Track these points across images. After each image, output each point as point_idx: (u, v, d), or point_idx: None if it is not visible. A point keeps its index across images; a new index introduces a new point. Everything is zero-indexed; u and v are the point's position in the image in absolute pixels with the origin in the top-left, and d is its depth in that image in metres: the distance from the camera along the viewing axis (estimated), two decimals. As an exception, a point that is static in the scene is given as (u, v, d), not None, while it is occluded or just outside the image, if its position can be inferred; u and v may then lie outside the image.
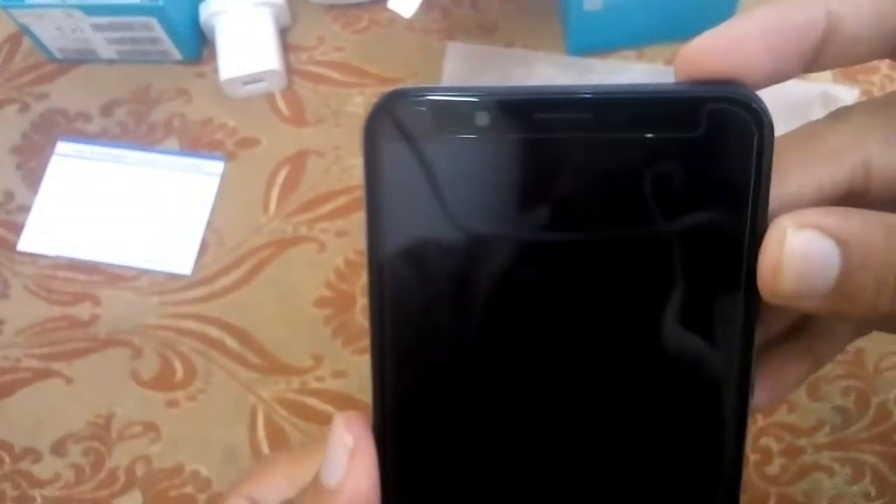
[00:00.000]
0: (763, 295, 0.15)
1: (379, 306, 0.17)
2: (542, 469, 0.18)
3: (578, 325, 0.17)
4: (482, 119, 0.16)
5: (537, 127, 0.16)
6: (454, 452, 0.18)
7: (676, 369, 0.17)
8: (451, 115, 0.16)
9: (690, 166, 0.16)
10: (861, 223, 0.14)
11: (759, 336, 0.17)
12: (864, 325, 0.20)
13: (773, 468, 0.36)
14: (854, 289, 0.14)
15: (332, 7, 0.48)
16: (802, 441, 0.36)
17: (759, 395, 0.18)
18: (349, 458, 0.17)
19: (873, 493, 0.35)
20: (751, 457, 0.36)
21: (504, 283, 0.17)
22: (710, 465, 0.17)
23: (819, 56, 0.16)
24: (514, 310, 0.17)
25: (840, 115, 0.17)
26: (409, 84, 0.15)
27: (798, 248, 0.14)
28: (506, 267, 0.17)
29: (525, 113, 0.16)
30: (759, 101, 0.16)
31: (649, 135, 0.16)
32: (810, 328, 0.20)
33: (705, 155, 0.16)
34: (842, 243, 0.14)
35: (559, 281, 0.17)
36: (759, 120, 0.16)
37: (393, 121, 0.17)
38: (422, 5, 0.39)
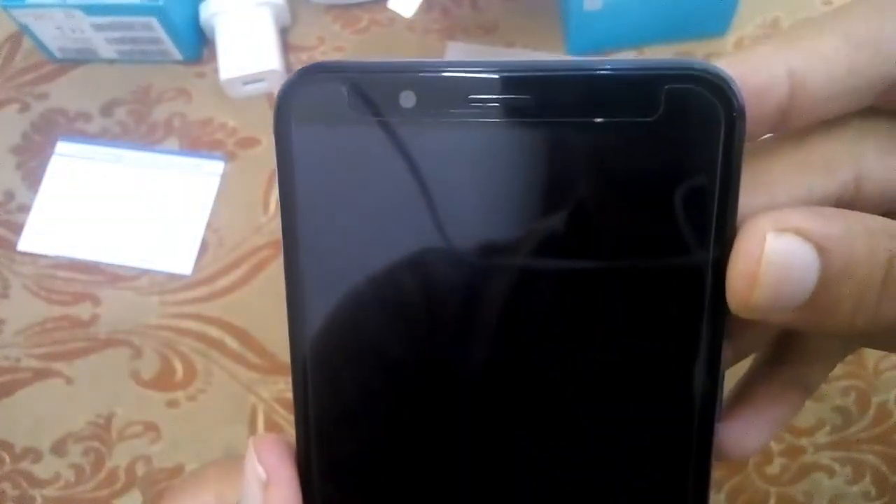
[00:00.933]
0: (732, 306, 0.14)
1: (297, 314, 0.15)
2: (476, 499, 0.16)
3: (519, 341, 0.15)
4: (408, 100, 0.14)
5: (472, 109, 0.14)
6: (382, 479, 0.16)
7: (628, 383, 0.15)
8: (372, 95, 0.14)
9: (646, 157, 0.14)
10: (843, 228, 0.13)
11: (729, 350, 0.15)
12: (849, 343, 0.18)
13: (774, 468, 0.36)
14: (831, 302, 0.13)
15: (332, 7, 0.48)
16: (803, 441, 0.36)
17: (753, 435, 0.17)
18: (264, 491, 0.16)
19: (873, 494, 0.35)
20: (750, 457, 0.36)
21: (435, 292, 0.15)
22: (671, 487, 0.15)
23: (788, 116, 0.15)
24: (446, 323, 0.15)
25: (833, 120, 0.15)
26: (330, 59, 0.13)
27: (778, 256, 0.13)
28: (436, 273, 0.15)
29: (458, 93, 0.14)
30: (728, 80, 0.14)
31: (599, 119, 0.14)
32: (793, 352, 0.18)
33: (663, 144, 0.14)
34: (822, 250, 0.13)
35: (497, 290, 0.15)
36: (727, 102, 0.13)
37: (308, 101, 0.15)
38: (422, 5, 0.39)
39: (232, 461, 0.19)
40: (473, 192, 0.15)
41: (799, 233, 0.13)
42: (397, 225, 0.15)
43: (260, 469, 0.16)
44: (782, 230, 0.13)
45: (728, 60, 0.14)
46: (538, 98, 0.14)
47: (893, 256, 0.13)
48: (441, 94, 0.14)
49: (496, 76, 0.14)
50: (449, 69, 0.14)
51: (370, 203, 0.15)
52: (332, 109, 0.14)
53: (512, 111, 0.14)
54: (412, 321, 0.15)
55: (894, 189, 0.15)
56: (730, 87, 0.13)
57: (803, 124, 0.15)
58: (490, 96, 0.14)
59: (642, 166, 0.14)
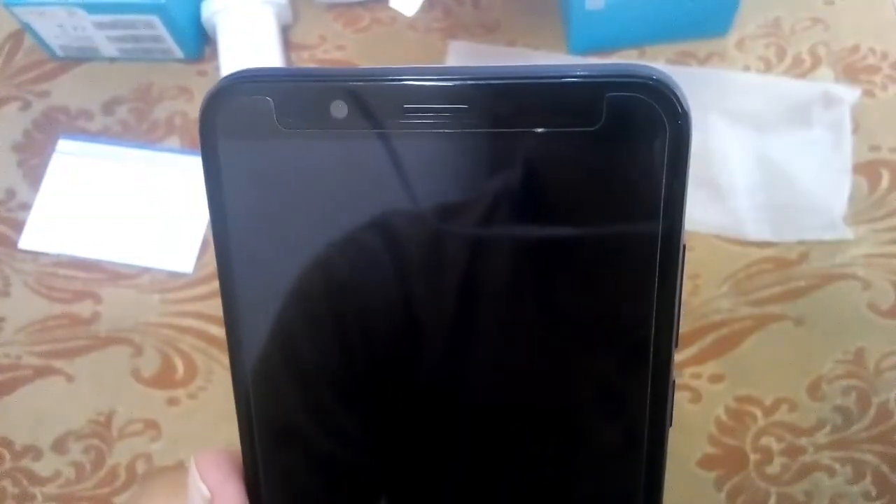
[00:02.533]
0: None
1: (235, 333, 0.15)
2: None
3: (456, 357, 0.15)
4: (339, 110, 0.13)
5: (407, 119, 0.13)
6: (330, 491, 0.16)
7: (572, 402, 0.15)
8: (301, 106, 0.13)
9: (586, 168, 0.13)
10: None
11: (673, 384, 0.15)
12: None
13: (774, 468, 0.36)
14: None
15: (333, 6, 0.48)
16: (803, 441, 0.36)
17: None
18: None
19: (874, 494, 0.35)
20: (751, 456, 0.36)
21: (373, 309, 0.14)
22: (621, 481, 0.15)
23: None
24: (383, 336, 0.15)
25: None
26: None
27: None
28: (370, 288, 0.14)
29: (392, 103, 0.13)
30: (671, 84, 0.13)
31: (538, 129, 0.13)
32: None
33: (606, 153, 0.13)
34: None
35: (436, 304, 0.14)
36: (671, 110, 0.13)
37: (233, 113, 0.14)
38: (424, 4, 0.39)
39: (179, 472, 0.19)
40: (409, 204, 0.14)
41: None
42: (329, 239, 0.14)
43: (203, 487, 0.16)
44: None
45: None
46: (475, 107, 0.13)
47: None
48: (374, 103, 0.13)
49: (431, 84, 0.13)
50: (382, 78, 0.13)
51: (304, 220, 0.14)
52: (259, 121, 0.14)
53: (449, 121, 0.13)
54: (349, 336, 0.15)
55: None
56: (673, 93, 0.13)
57: None
58: (425, 106, 0.13)
59: (584, 176, 0.14)
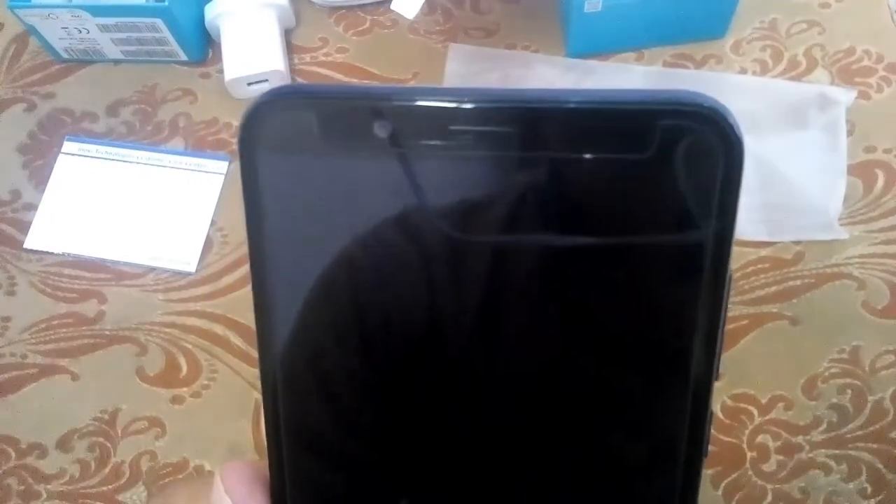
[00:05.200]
0: None
1: (266, 350, 0.15)
2: None
3: (498, 374, 0.14)
4: (383, 129, 0.13)
5: (452, 141, 0.13)
6: None
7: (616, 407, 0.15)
8: (345, 124, 0.13)
9: (635, 195, 0.13)
10: None
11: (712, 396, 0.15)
12: None
13: (770, 465, 0.36)
14: None
15: (335, 9, 0.49)
16: (799, 439, 0.36)
17: None
18: None
19: (869, 491, 0.35)
20: (748, 454, 0.36)
21: (407, 327, 0.14)
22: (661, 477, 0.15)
23: None
24: (415, 354, 0.14)
25: None
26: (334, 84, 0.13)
27: None
28: (410, 306, 0.14)
29: (437, 123, 0.13)
30: (724, 112, 0.12)
31: (586, 156, 0.13)
32: None
33: (656, 181, 0.13)
34: None
35: (470, 325, 0.14)
36: (725, 138, 0.12)
37: (275, 128, 0.14)
38: (424, 7, 0.40)
39: (200, 482, 0.18)
40: (446, 224, 0.14)
41: None
42: (362, 253, 0.14)
43: (228, 501, 0.15)
44: None
45: None
46: (522, 131, 0.13)
47: None
48: (419, 124, 0.13)
49: (477, 107, 0.13)
50: (427, 98, 0.13)
51: (339, 233, 0.14)
52: (301, 137, 0.13)
53: (494, 144, 0.13)
54: (381, 350, 0.15)
55: None
56: (727, 122, 0.13)
57: None
58: (471, 128, 0.13)
59: (631, 204, 0.13)
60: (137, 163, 0.45)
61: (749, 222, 0.40)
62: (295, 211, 0.14)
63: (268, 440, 0.15)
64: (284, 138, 0.13)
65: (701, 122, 0.12)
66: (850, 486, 0.36)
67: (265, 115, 0.13)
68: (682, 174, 0.13)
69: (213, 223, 0.43)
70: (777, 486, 0.36)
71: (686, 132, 0.13)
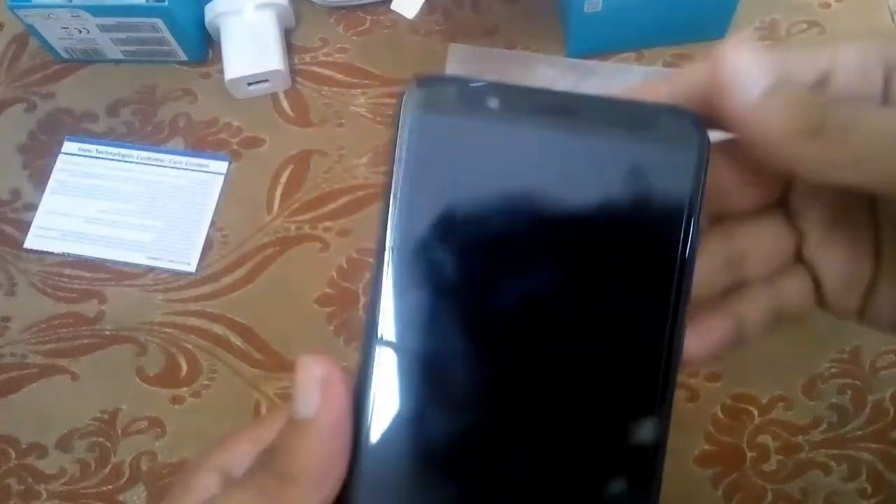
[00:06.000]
0: (708, 76, 0.18)
1: (378, 285, 0.18)
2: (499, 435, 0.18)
3: (541, 305, 0.18)
4: (493, 104, 0.18)
5: (533, 119, 0.18)
6: (425, 409, 0.18)
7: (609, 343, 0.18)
8: (471, 100, 0.18)
9: (639, 171, 0.18)
10: (788, 52, 0.18)
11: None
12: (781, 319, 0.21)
13: (770, 465, 0.36)
14: (776, 100, 0.17)
15: (335, 9, 0.49)
16: (799, 438, 0.36)
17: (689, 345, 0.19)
18: (321, 388, 0.17)
19: (869, 491, 0.35)
20: (748, 454, 0.36)
21: (488, 256, 0.18)
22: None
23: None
24: (491, 291, 0.18)
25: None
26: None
27: (740, 53, 0.18)
28: (490, 238, 0.18)
29: (528, 107, 0.18)
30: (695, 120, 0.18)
31: (612, 140, 0.18)
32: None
33: (649, 159, 0.18)
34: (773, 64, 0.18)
35: (527, 267, 0.18)
36: (701, 135, 0.18)
37: (427, 100, 0.18)
38: (424, 7, 0.40)
39: (260, 417, 0.20)
40: (527, 185, 0.18)
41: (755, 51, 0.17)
42: (473, 206, 0.18)
43: (319, 370, 0.17)
44: (746, 41, 0.17)
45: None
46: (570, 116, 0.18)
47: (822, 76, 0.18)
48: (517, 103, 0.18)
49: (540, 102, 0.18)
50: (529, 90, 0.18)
51: (464, 184, 0.18)
52: (444, 109, 0.18)
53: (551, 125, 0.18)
54: (473, 281, 0.18)
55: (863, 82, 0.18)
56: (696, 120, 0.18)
57: None
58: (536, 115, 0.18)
59: (634, 179, 0.18)
60: (137, 163, 0.45)
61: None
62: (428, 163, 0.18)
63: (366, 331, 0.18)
64: (433, 109, 0.18)
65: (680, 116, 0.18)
66: (850, 486, 0.36)
67: (422, 89, 0.18)
68: (668, 157, 0.18)
69: (213, 223, 0.43)
70: (777, 486, 0.36)
71: (672, 122, 0.18)
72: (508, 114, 0.18)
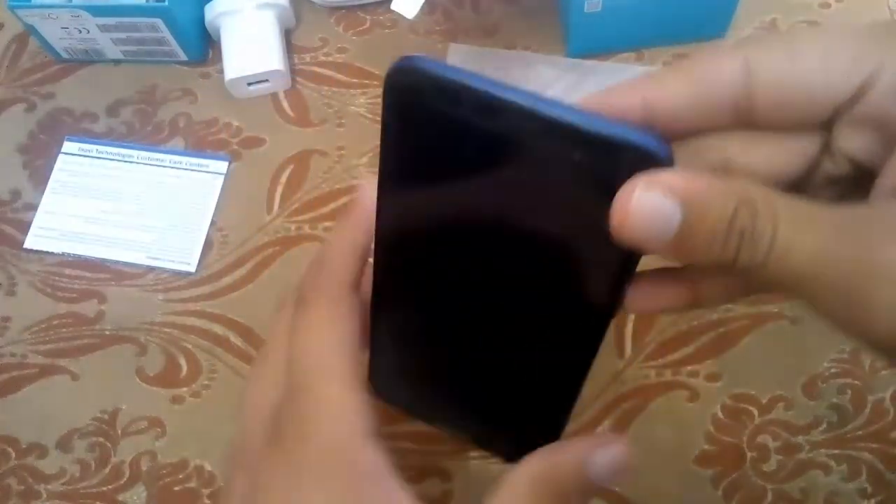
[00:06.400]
0: (614, 237, 0.18)
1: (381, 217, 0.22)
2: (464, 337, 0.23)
3: (493, 278, 0.21)
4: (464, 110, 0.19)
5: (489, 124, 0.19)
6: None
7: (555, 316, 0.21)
8: (447, 97, 0.19)
9: (581, 188, 0.18)
10: (704, 186, 0.17)
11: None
12: (739, 289, 0.22)
13: (770, 465, 0.36)
14: (691, 238, 0.17)
15: (335, 9, 0.49)
16: (799, 438, 0.36)
17: (631, 296, 0.21)
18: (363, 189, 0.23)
19: (869, 491, 0.35)
20: (748, 454, 0.36)
21: (460, 234, 0.21)
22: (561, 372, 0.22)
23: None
24: (458, 255, 0.21)
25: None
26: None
27: (644, 205, 0.17)
28: (464, 220, 0.21)
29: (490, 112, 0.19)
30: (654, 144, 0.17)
31: (567, 157, 0.18)
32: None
33: (593, 181, 0.18)
34: (684, 202, 0.17)
35: (486, 246, 0.21)
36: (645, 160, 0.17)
37: (413, 85, 0.19)
38: (424, 7, 0.40)
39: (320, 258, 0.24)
40: (478, 188, 0.20)
41: (666, 188, 0.17)
42: (446, 194, 0.20)
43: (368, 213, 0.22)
44: (651, 186, 0.17)
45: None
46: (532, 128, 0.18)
47: (737, 207, 0.17)
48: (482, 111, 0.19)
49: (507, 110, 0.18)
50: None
51: (440, 177, 0.20)
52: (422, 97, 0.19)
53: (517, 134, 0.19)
54: (444, 248, 0.22)
55: (785, 94, 0.19)
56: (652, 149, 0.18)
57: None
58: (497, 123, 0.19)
59: (577, 193, 0.19)
60: (137, 163, 0.45)
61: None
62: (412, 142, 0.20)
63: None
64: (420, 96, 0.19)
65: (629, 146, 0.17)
66: (850, 485, 0.36)
67: (408, 74, 0.19)
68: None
69: (213, 223, 0.43)
70: (777, 486, 0.36)
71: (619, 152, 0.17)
72: (468, 116, 0.19)
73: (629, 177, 0.17)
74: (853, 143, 0.20)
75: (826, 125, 0.20)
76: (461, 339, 0.23)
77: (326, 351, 0.22)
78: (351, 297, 0.23)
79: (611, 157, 0.17)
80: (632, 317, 0.39)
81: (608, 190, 0.17)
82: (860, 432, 0.36)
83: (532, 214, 0.19)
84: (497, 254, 0.21)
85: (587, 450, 0.21)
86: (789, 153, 0.21)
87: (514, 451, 0.23)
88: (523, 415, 0.24)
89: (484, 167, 0.19)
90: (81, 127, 0.47)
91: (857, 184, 0.20)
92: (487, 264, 0.21)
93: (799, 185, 0.21)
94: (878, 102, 0.18)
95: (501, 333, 0.22)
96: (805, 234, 0.17)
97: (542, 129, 0.18)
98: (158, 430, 0.39)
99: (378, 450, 0.21)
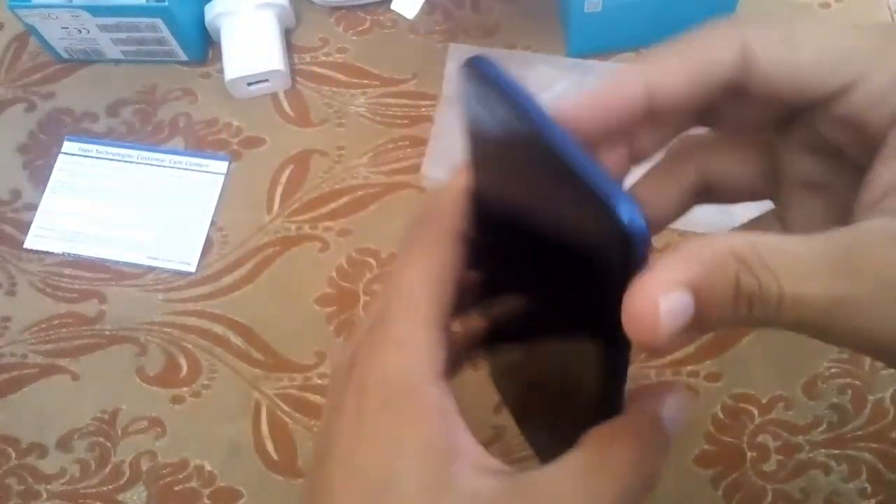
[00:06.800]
0: (637, 345, 0.18)
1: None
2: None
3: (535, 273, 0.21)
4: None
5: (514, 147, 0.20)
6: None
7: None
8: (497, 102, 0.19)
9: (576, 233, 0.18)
10: (702, 267, 0.17)
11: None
12: None
13: (770, 465, 0.36)
14: (703, 317, 0.17)
15: (335, 9, 0.49)
16: (799, 438, 0.36)
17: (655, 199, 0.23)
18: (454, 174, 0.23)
19: (869, 491, 0.35)
20: (748, 454, 0.36)
21: (513, 224, 0.21)
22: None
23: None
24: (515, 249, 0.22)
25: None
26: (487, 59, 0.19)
27: (669, 311, 0.17)
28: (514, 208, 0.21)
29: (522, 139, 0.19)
30: (629, 221, 0.17)
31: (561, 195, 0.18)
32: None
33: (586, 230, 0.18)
34: (694, 291, 0.17)
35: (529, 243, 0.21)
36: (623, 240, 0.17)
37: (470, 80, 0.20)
38: (424, 7, 0.40)
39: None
40: (520, 190, 0.21)
41: (679, 286, 0.17)
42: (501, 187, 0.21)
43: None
44: (669, 290, 0.17)
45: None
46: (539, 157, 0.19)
47: (738, 273, 0.17)
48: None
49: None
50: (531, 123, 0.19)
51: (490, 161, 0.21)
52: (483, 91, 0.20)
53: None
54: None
55: (785, 66, 0.19)
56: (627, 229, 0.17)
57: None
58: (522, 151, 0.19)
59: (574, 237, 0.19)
60: (137, 163, 0.45)
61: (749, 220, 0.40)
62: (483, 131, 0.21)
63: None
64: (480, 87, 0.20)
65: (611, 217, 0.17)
66: (850, 485, 0.36)
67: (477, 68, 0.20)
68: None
69: (213, 223, 0.43)
70: (777, 486, 0.36)
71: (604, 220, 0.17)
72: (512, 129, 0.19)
73: (619, 243, 0.17)
74: (835, 135, 0.20)
75: (805, 119, 0.20)
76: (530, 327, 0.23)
77: (416, 286, 0.22)
78: (454, 246, 0.23)
79: (599, 217, 0.17)
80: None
81: (598, 241, 0.17)
82: (860, 432, 0.36)
83: (549, 225, 0.20)
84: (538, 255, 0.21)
85: (653, 406, 0.21)
86: (761, 155, 0.22)
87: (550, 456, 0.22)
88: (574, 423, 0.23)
89: (520, 171, 0.20)
90: (81, 127, 0.47)
91: (837, 172, 0.21)
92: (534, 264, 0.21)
93: (778, 183, 0.22)
94: (855, 106, 0.18)
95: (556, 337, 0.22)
96: (809, 284, 0.17)
97: (546, 160, 0.18)
98: (158, 430, 0.39)
99: (443, 388, 0.21)
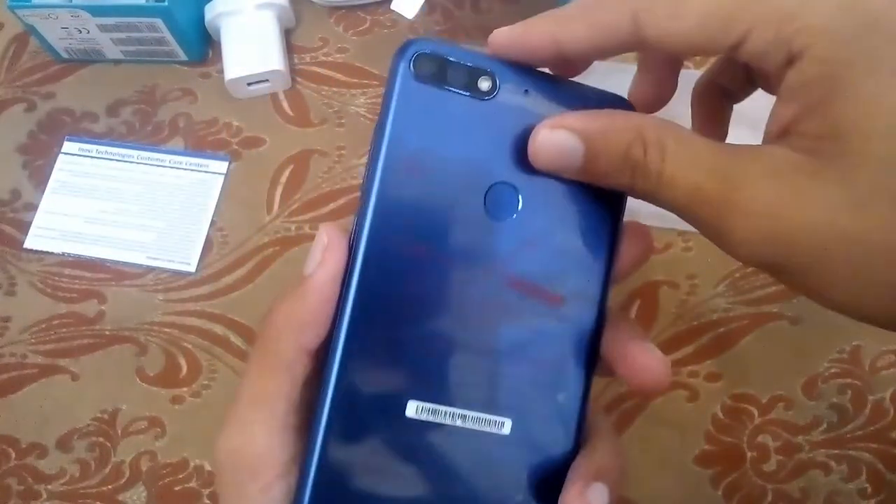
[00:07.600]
0: (534, 166, 0.21)
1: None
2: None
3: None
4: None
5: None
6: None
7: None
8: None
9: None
10: (601, 124, 0.21)
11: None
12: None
13: (770, 465, 0.36)
14: (593, 167, 0.21)
15: (335, 9, 0.49)
16: (799, 438, 0.36)
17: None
18: (323, 252, 0.21)
19: (869, 491, 0.35)
20: (748, 453, 0.36)
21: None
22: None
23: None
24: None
25: None
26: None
27: (551, 142, 0.21)
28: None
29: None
30: None
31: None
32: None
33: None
34: (584, 139, 0.21)
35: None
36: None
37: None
38: (424, 7, 0.40)
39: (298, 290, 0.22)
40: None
41: (568, 128, 0.21)
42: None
43: (325, 237, 0.21)
44: (555, 128, 0.21)
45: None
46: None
47: (631, 142, 0.20)
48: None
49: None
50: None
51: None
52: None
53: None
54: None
55: (672, 34, 0.20)
56: None
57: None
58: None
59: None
60: (137, 163, 0.45)
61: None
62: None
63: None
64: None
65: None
66: (850, 485, 0.36)
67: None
68: None
69: (213, 223, 0.43)
70: (777, 486, 0.36)
71: None
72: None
73: None
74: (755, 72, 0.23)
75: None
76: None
77: (259, 402, 0.23)
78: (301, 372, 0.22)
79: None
80: (631, 316, 0.39)
81: None
82: (860, 432, 0.36)
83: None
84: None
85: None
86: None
87: None
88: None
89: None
90: (81, 127, 0.47)
91: None
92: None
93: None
94: (750, 57, 0.20)
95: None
96: (687, 171, 0.19)
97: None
98: (158, 430, 0.39)
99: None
